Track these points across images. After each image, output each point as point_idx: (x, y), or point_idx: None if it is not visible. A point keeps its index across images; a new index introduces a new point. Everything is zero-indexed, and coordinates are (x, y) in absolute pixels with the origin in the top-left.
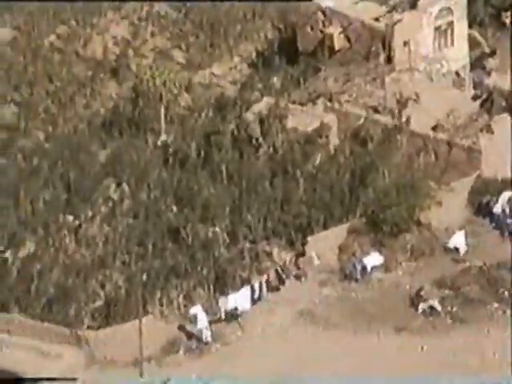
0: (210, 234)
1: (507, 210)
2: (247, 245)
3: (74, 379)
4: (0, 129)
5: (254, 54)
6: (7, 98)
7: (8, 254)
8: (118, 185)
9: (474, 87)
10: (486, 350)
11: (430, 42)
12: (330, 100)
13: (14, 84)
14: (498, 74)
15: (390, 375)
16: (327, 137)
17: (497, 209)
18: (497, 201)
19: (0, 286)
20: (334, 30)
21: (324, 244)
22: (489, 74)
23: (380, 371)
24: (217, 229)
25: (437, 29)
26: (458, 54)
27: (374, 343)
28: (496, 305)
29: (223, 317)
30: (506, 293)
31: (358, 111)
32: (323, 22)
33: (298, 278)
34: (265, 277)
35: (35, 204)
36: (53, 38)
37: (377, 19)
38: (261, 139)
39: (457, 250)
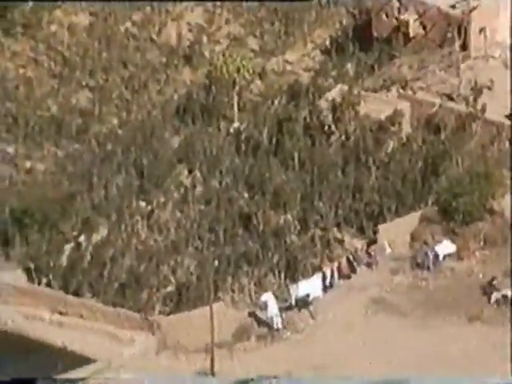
0: (282, 221)
1: None
2: (318, 232)
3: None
4: (75, 114)
5: (327, 41)
6: (82, 84)
7: (81, 239)
8: (190, 171)
9: None
10: None
11: (507, 29)
12: (404, 87)
13: (89, 70)
14: None
15: (460, 366)
16: (400, 124)
17: None
18: None
19: (73, 271)
20: (410, 17)
21: (395, 232)
22: None
23: (448, 360)
24: (288, 216)
25: None
26: None
27: (444, 333)
28: None
29: (294, 304)
30: None
31: (432, 99)
32: (399, 9)
33: (369, 265)
34: (336, 264)
35: (108, 189)
36: (128, 24)
37: (453, 6)
38: (333, 126)
39: None
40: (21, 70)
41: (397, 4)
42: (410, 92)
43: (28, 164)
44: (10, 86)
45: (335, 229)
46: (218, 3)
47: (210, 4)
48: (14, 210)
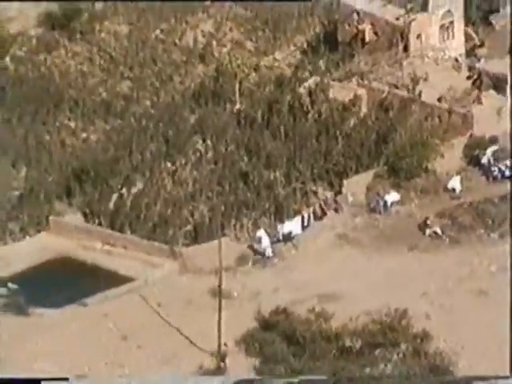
0: (271, 177)
1: (492, 161)
2: (299, 185)
3: (66, 379)
4: (118, 98)
5: (305, 44)
6: (124, 76)
7: (124, 191)
8: (204, 140)
9: (468, 70)
10: (474, 263)
11: (436, 36)
12: (362, 78)
13: (129, 65)
14: (486, 61)
15: (403, 282)
16: (359, 106)
17: (484, 160)
18: (484, 154)
19: (118, 214)
20: (365, 27)
21: (356, 185)
22: (479, 60)
23: (395, 279)
24: (276, 173)
25: (441, 26)
26: (457, 45)
27: (392, 259)
28: (482, 230)
29: (281, 238)
30: (490, 221)
31: (382, 87)
32: (357, 21)
33: (336, 210)
34: (312, 209)
35: (143, 154)
36: (157, 32)
37: (397, 18)
38: (309, 107)
39: (454, 190)
40: (79, 66)
41: (356, 17)
42: (366, 82)
43: (84, 135)
44: (71, 77)
45: (311, 183)
46: (225, 16)
47: (218, 16)
48: (74, 169)
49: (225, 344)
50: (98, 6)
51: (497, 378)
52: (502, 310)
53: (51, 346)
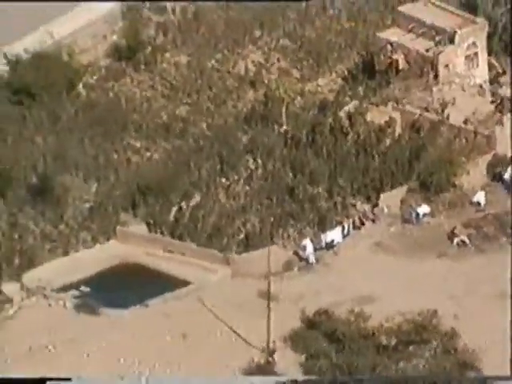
0: (315, 192)
1: None
2: (339, 199)
3: (69, 379)
4: (178, 121)
5: (345, 72)
6: (183, 101)
7: (183, 204)
8: (254, 159)
9: (492, 95)
10: (497, 268)
11: (462, 65)
12: (396, 103)
13: (188, 92)
14: (507, 87)
15: (433, 285)
16: (394, 127)
17: (506, 176)
18: (506, 171)
19: (177, 224)
20: (399, 57)
21: (391, 199)
22: (501, 86)
23: (426, 283)
24: (319, 188)
25: (467, 57)
26: (481, 73)
27: (423, 264)
28: (504, 239)
29: (324, 246)
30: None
31: (414, 110)
32: (391, 51)
33: (373, 221)
34: (351, 220)
35: (200, 171)
36: (213, 61)
37: (427, 50)
38: (349, 129)
39: (479, 203)
40: (143, 93)
41: (390, 48)
42: (400, 106)
43: (148, 154)
44: (136, 103)
45: (351, 197)
46: (272, 47)
47: (266, 48)
48: (139, 184)
49: (273, 341)
50: (159, 39)
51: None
52: None
53: (116, 344)
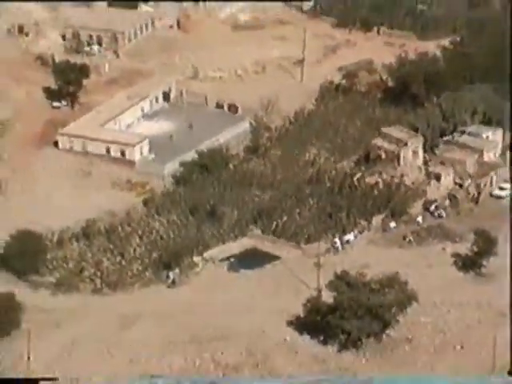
0: (342, 215)
1: None
2: (352, 219)
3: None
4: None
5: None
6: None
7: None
8: (317, 202)
9: (425, 170)
10: (426, 254)
11: (411, 157)
12: (379, 173)
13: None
14: (434, 167)
15: (397, 260)
16: (378, 185)
17: (432, 208)
18: (430, 206)
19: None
20: (381, 152)
21: (378, 219)
22: (429, 166)
23: (394, 259)
24: (344, 214)
25: (413, 152)
26: (420, 161)
27: (392, 250)
28: (430, 239)
29: (344, 242)
30: None
31: (389, 177)
32: (378, 149)
33: (368, 231)
34: (357, 230)
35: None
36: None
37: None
38: (357, 186)
39: (418, 222)
40: None
41: (377, 149)
42: (382, 175)
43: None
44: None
45: (357, 218)
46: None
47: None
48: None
49: (320, 286)
50: None
51: None
52: None
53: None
